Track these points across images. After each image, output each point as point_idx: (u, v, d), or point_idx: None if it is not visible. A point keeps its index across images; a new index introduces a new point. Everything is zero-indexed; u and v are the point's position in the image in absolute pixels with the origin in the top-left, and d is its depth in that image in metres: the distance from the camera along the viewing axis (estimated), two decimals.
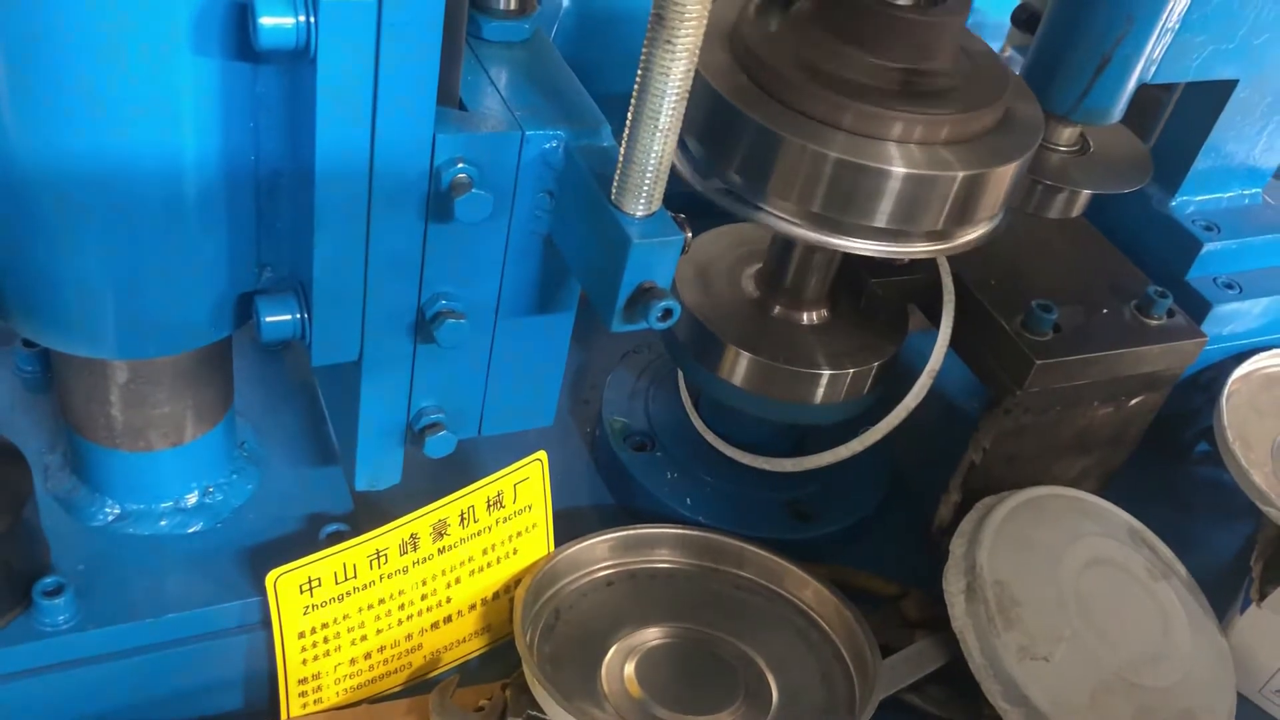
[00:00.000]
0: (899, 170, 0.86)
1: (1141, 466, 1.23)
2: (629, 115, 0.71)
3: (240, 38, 0.68)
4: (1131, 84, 0.97)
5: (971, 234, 0.94)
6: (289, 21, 0.65)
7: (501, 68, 0.82)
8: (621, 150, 0.73)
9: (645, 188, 0.73)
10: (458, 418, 0.90)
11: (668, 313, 0.75)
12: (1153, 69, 0.98)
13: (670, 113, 0.70)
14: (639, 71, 0.69)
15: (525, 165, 0.78)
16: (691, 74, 0.69)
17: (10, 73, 0.66)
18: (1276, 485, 1.14)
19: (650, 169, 0.72)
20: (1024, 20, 1.39)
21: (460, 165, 0.75)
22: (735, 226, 1.18)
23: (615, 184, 0.74)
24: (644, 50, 0.68)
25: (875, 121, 0.86)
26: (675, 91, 0.69)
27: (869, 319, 1.11)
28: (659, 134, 0.71)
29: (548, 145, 0.78)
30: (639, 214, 0.74)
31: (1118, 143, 1.09)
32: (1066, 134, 1.05)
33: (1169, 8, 0.93)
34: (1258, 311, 1.26)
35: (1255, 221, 1.28)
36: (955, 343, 1.09)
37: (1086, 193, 1.04)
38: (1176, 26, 0.95)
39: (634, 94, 0.70)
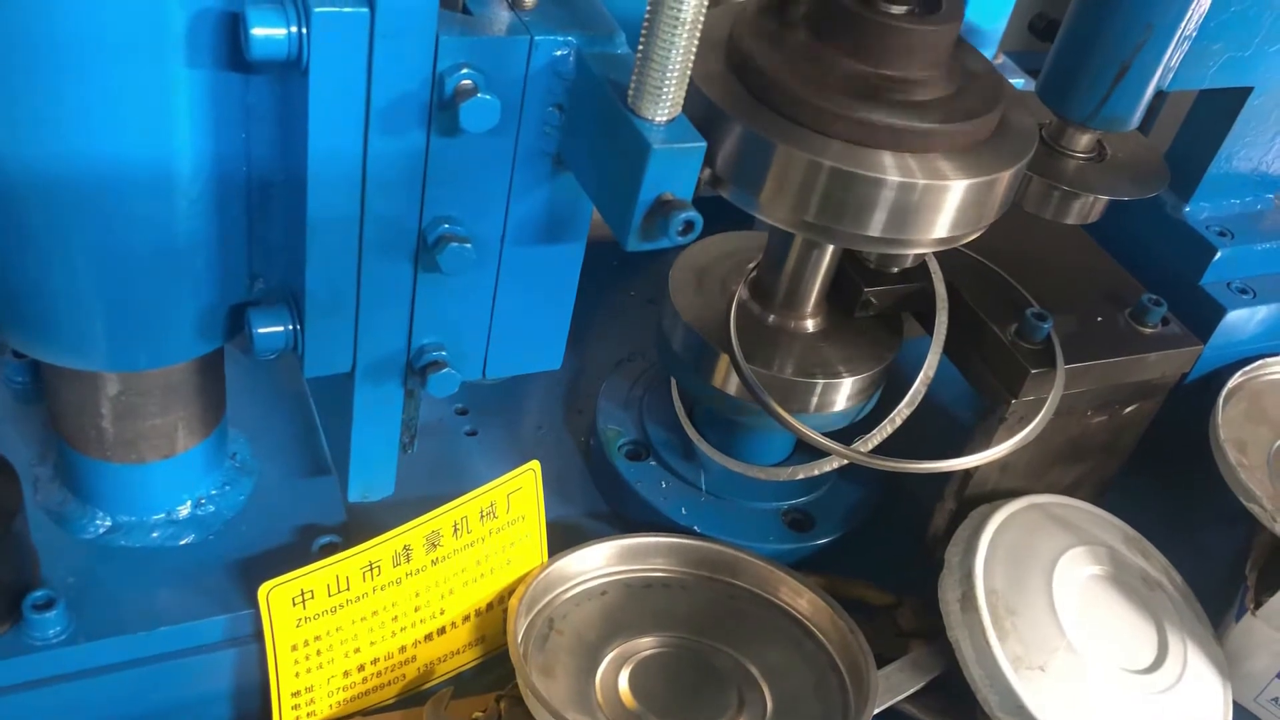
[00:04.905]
0: (893, 179, 0.85)
1: (1137, 474, 1.23)
2: (647, 10, 0.67)
3: (231, 48, 0.68)
4: (1150, 91, 0.97)
5: (967, 238, 0.94)
6: (280, 32, 0.65)
7: None
8: (639, 49, 0.68)
9: (665, 90, 0.68)
10: (461, 357, 0.86)
11: (689, 225, 0.70)
12: (1170, 76, 0.98)
13: (693, 4, 0.66)
14: None
15: (534, 75, 0.73)
16: None
17: None
18: (1269, 489, 1.14)
19: (671, 69, 0.68)
20: (1042, 29, 1.38)
21: (464, 71, 0.70)
22: (729, 235, 1.18)
23: (632, 87, 0.69)
24: None
25: (870, 130, 0.86)
26: None
27: (863, 327, 1.11)
28: (680, 27, 0.66)
29: (558, 52, 0.73)
30: (659, 119, 0.70)
31: (1134, 149, 1.08)
32: (1084, 140, 1.04)
33: (1188, 16, 0.92)
34: (1272, 316, 1.26)
35: (1269, 227, 1.29)
36: (949, 351, 1.08)
37: (1104, 199, 1.04)
38: (1194, 34, 0.95)
39: None
